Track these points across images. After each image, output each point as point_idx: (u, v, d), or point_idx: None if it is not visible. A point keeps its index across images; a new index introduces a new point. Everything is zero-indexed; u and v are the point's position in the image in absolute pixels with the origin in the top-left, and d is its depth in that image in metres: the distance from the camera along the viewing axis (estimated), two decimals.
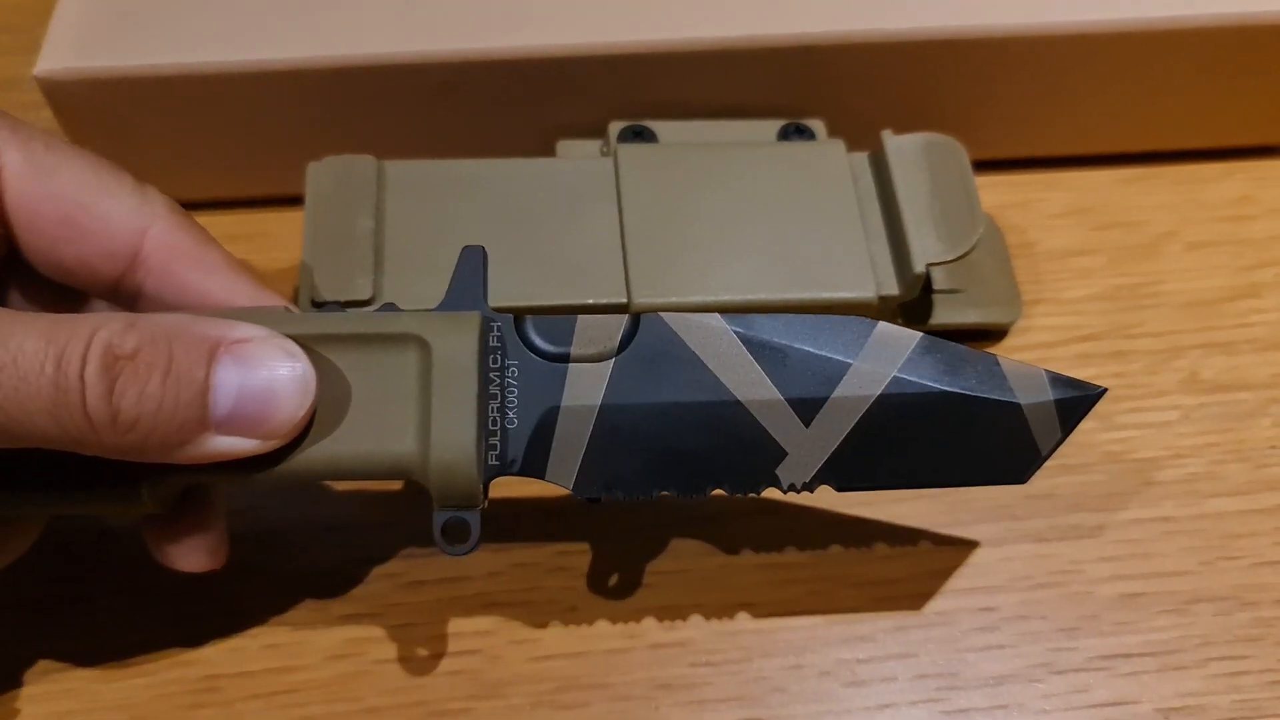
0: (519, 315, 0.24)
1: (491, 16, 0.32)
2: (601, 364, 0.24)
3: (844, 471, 0.24)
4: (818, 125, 0.33)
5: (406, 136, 0.33)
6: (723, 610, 0.28)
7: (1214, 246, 0.35)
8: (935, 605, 0.28)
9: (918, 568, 0.29)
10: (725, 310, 0.28)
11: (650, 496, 0.24)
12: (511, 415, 0.23)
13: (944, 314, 0.32)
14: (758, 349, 0.24)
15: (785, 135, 0.32)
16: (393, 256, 0.29)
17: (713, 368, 0.24)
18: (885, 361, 0.24)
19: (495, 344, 0.23)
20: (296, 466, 0.23)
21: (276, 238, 0.35)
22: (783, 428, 0.24)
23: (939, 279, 0.32)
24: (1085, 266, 0.34)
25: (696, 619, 0.28)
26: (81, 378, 0.20)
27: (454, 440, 0.22)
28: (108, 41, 0.31)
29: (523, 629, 0.28)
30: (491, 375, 0.23)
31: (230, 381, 0.21)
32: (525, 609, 0.28)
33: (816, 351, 0.24)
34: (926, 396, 0.24)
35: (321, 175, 0.30)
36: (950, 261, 0.29)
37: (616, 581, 0.29)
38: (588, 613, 0.28)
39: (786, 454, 0.24)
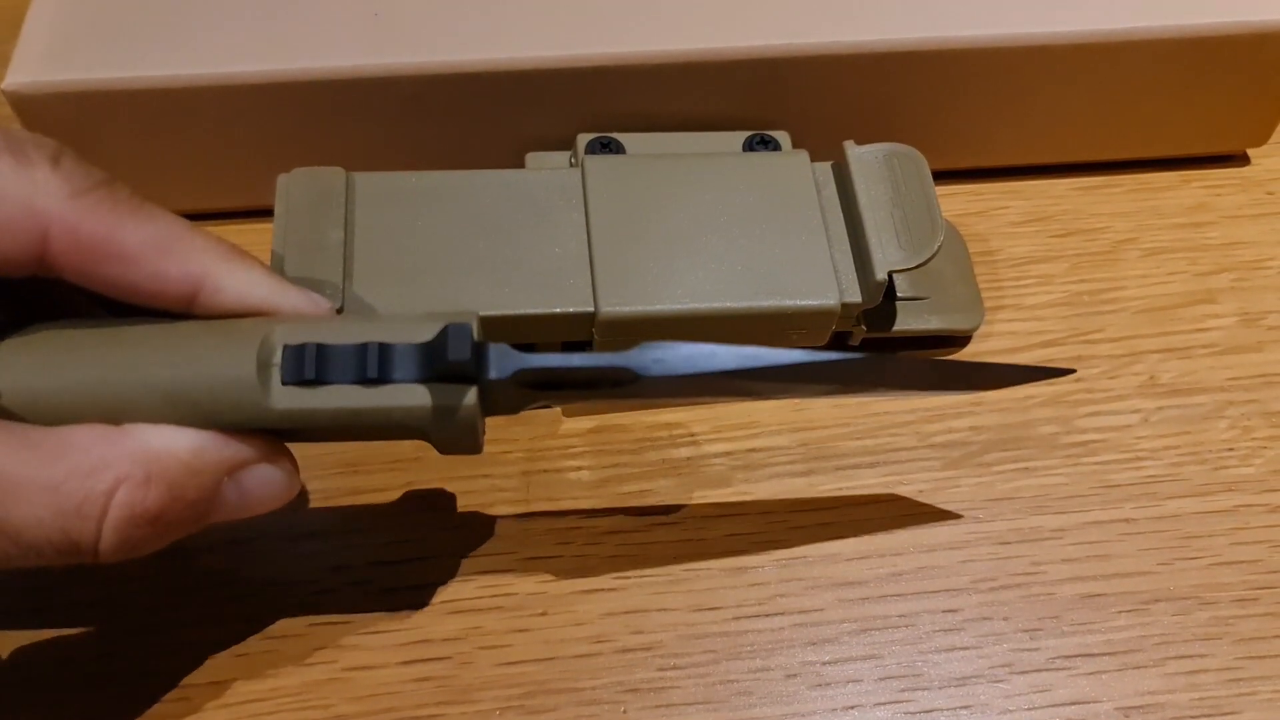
0: (518, 374, 0.23)
1: (459, 30, 0.32)
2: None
3: None
4: (783, 136, 0.33)
5: (378, 149, 0.34)
6: (690, 614, 0.28)
7: (1171, 253, 0.35)
8: (899, 607, 0.29)
9: (881, 570, 0.29)
10: (690, 318, 0.29)
11: None
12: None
13: (907, 321, 0.32)
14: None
15: (750, 146, 0.33)
16: (361, 266, 0.29)
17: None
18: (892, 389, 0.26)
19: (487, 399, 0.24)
20: None
21: (250, 249, 0.35)
22: None
23: (902, 286, 0.33)
24: (1045, 273, 0.35)
25: (664, 623, 0.28)
26: (96, 545, 0.21)
27: (459, 449, 0.24)
28: (77, 55, 0.31)
29: (492, 635, 0.28)
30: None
31: (231, 499, 0.23)
32: (495, 615, 0.28)
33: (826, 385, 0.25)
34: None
35: (291, 187, 0.30)
36: (911, 269, 0.29)
37: (585, 586, 0.29)
38: (557, 618, 0.28)
39: None
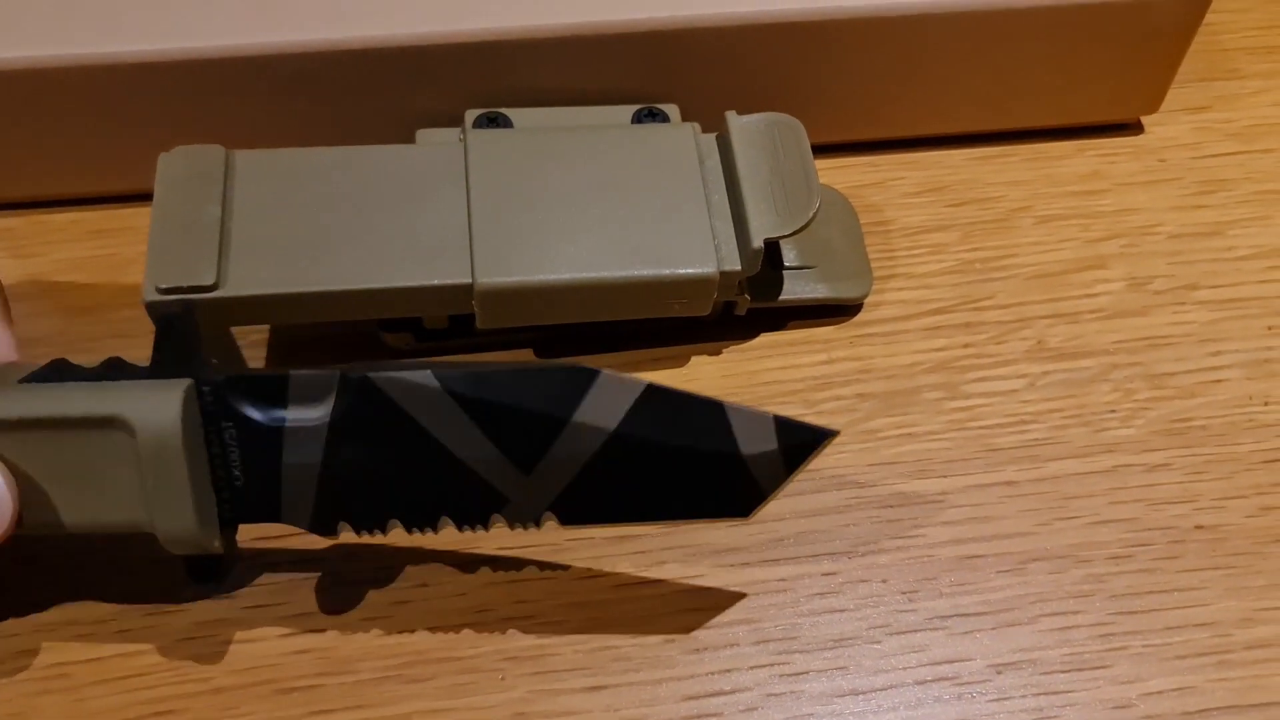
0: (234, 377, 0.24)
1: (345, 6, 0.32)
2: (316, 425, 0.25)
3: (568, 511, 0.26)
4: (672, 110, 0.33)
5: (267, 129, 0.34)
6: (571, 582, 0.29)
7: (1064, 220, 0.36)
8: (779, 572, 0.29)
9: (763, 536, 0.29)
10: (568, 288, 0.29)
11: (384, 531, 0.26)
12: (236, 473, 0.25)
13: (794, 289, 0.32)
14: (473, 407, 0.25)
15: (639, 120, 0.33)
16: (239, 242, 0.29)
17: (428, 427, 0.25)
18: (604, 415, 0.25)
19: (210, 408, 0.24)
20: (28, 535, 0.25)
21: (141, 231, 0.35)
22: (502, 478, 0.25)
23: (790, 255, 0.33)
24: (938, 242, 0.35)
25: (544, 592, 0.28)
26: None
27: (172, 512, 0.24)
28: None
29: (373, 607, 0.28)
30: (210, 437, 0.24)
31: None
32: (376, 588, 0.28)
33: (534, 407, 0.25)
34: (646, 450, 0.25)
35: (170, 165, 0.30)
36: (787, 235, 0.29)
37: (466, 559, 0.29)
38: (438, 589, 0.28)
39: (509, 500, 0.25)
